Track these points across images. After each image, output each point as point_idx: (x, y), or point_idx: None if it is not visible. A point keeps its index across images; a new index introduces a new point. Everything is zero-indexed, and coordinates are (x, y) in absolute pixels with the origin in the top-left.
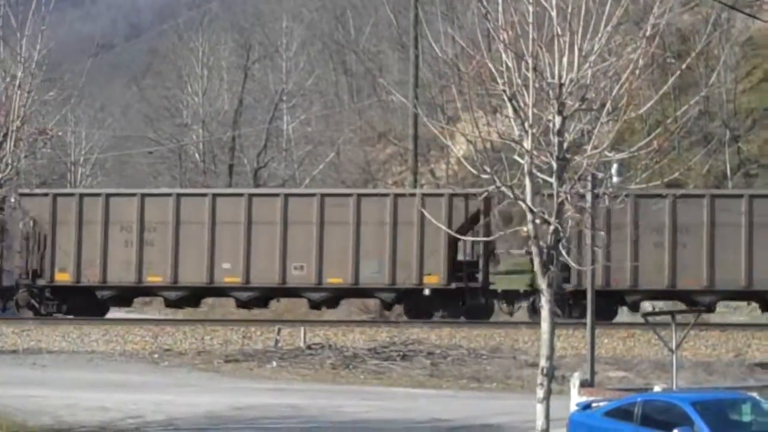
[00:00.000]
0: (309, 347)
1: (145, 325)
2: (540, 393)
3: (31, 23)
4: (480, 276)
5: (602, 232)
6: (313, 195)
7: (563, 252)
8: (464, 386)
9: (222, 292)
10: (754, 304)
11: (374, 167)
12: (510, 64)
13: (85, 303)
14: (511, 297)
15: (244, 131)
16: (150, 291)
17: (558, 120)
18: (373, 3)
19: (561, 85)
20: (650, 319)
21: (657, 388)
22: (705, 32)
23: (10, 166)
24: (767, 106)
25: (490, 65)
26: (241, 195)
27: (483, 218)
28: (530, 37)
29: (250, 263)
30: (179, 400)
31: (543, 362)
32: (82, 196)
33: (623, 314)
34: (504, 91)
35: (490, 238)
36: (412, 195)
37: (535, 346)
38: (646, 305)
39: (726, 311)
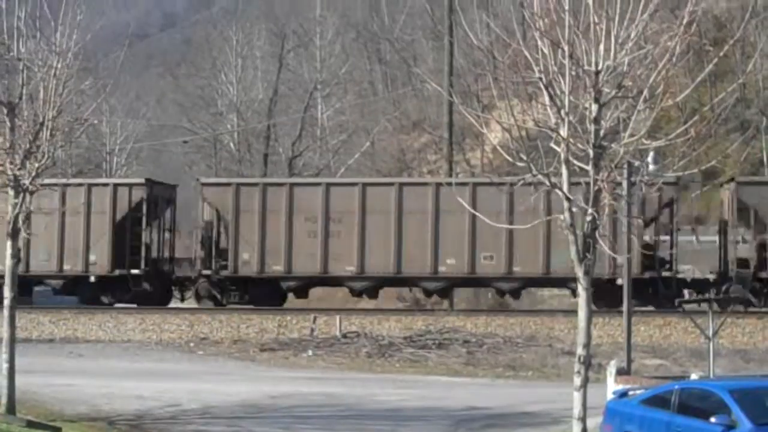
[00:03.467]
0: (344, 336)
1: (181, 314)
2: (577, 381)
3: (67, 14)
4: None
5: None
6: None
7: (600, 240)
8: (500, 374)
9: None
10: None
11: (409, 156)
12: (546, 52)
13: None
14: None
15: (279, 120)
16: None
17: (594, 108)
18: None
19: (597, 73)
20: (687, 306)
21: (694, 376)
22: (742, 19)
23: (46, 155)
24: None
25: (525, 53)
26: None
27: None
28: (566, 24)
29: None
30: (215, 389)
31: (580, 350)
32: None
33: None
34: (540, 78)
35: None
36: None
37: (571, 334)
38: None
39: None
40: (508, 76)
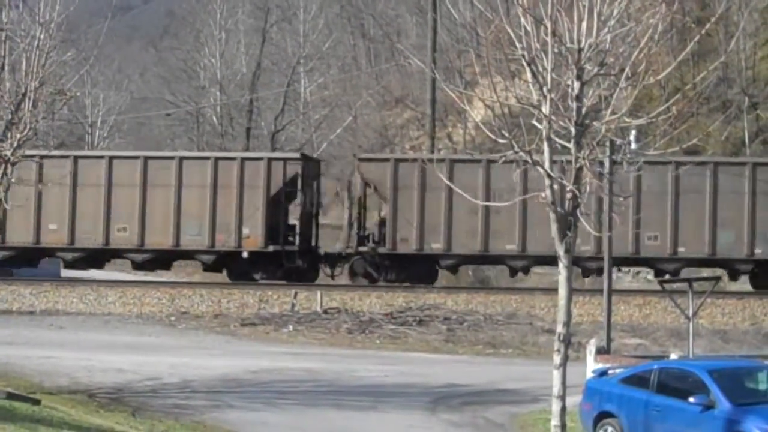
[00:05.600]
0: (325, 311)
1: (162, 287)
2: (556, 359)
3: None
4: None
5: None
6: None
7: (581, 218)
8: (480, 352)
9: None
10: None
11: (391, 131)
12: (529, 29)
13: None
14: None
15: (262, 94)
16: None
17: (577, 85)
18: None
19: (580, 50)
20: (667, 286)
21: (673, 356)
22: None
23: (28, 127)
24: None
25: (508, 29)
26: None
27: None
28: (549, 1)
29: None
30: (195, 363)
31: (560, 328)
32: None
33: (640, 281)
34: (523, 55)
35: None
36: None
37: (551, 312)
38: None
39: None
40: (491, 52)
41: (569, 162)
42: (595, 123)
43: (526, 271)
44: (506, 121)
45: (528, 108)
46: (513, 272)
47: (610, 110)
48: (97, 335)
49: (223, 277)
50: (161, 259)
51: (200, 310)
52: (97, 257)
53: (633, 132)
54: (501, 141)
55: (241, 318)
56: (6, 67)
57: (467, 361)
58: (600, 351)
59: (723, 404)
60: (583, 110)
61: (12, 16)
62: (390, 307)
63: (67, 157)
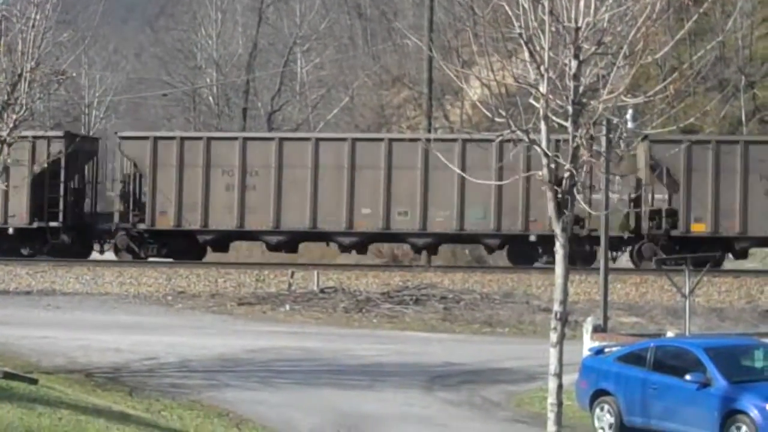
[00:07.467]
0: (322, 291)
1: (159, 267)
2: (553, 337)
3: None
4: None
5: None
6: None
7: (578, 197)
8: (477, 331)
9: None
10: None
11: (388, 111)
12: (526, 7)
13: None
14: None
15: (259, 75)
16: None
17: (574, 64)
18: None
19: (577, 29)
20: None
21: (670, 334)
22: None
23: (24, 108)
24: None
25: (506, 8)
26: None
27: None
28: None
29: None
30: (192, 342)
31: (557, 306)
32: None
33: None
34: (520, 34)
35: None
36: None
37: (548, 291)
38: None
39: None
40: (488, 31)
41: (566, 140)
42: (592, 102)
43: None
44: (503, 100)
45: (525, 87)
46: None
47: (607, 89)
48: (93, 315)
49: (220, 256)
50: None
51: (197, 290)
52: None
53: (630, 111)
54: (498, 120)
55: (237, 297)
56: (1, 48)
57: (464, 340)
58: (596, 329)
59: (719, 382)
60: (581, 89)
61: None
62: (387, 286)
63: None
